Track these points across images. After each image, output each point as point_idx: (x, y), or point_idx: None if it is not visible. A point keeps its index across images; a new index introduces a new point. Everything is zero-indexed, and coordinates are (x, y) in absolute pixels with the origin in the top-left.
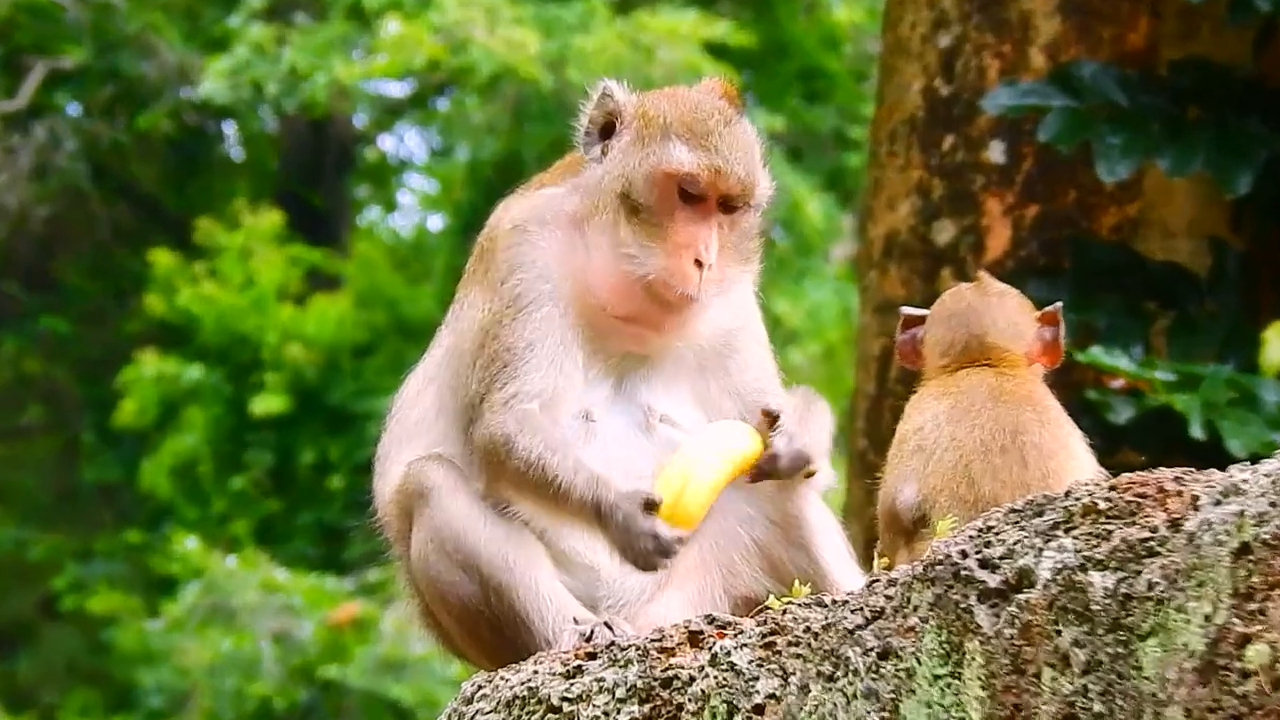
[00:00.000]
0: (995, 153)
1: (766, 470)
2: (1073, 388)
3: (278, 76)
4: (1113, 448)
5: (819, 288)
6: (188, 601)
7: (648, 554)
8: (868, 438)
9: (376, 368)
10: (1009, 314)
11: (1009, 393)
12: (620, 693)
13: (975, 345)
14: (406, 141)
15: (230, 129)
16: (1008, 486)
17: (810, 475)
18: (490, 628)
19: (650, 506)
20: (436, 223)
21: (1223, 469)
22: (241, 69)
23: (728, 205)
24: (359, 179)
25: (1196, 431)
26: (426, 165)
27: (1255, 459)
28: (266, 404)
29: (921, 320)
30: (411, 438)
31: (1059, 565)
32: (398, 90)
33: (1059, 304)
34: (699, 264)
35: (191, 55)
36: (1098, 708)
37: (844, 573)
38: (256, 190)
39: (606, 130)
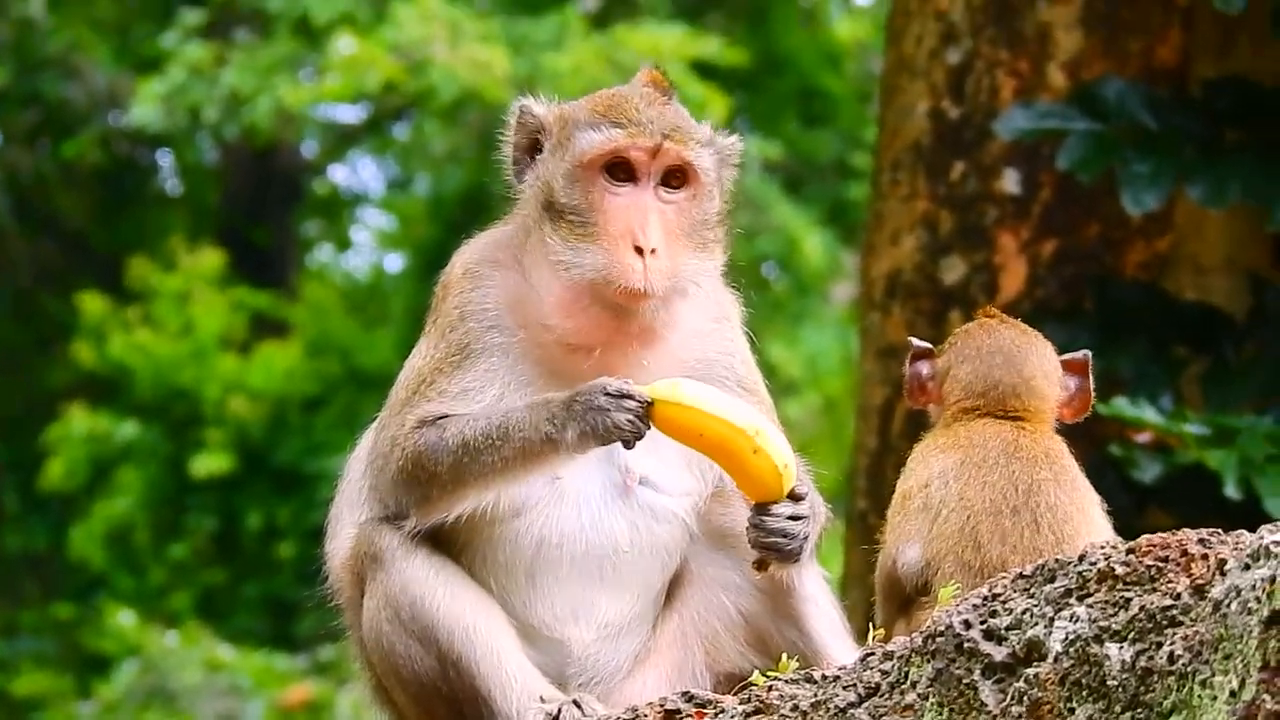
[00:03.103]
0: (1009, 182)
1: (751, 519)
2: (1094, 442)
3: (217, 100)
4: (1138, 509)
5: (818, 332)
6: (123, 682)
7: (604, 411)
8: (869, 498)
9: (329, 423)
10: (1049, 360)
11: (1024, 449)
12: None
13: (1019, 390)
14: (361, 172)
15: (165, 159)
16: (1018, 551)
17: (766, 565)
18: (448, 706)
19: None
20: (394, 262)
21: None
22: (177, 92)
23: (666, 183)
24: (308, 214)
25: (1231, 491)
26: (383, 199)
27: None
28: (208, 464)
29: (930, 354)
30: (364, 498)
31: (1072, 636)
32: (350, 115)
33: (1087, 351)
34: (640, 252)
35: (121, 77)
36: None
37: (839, 649)
38: (195, 227)
39: (534, 150)
